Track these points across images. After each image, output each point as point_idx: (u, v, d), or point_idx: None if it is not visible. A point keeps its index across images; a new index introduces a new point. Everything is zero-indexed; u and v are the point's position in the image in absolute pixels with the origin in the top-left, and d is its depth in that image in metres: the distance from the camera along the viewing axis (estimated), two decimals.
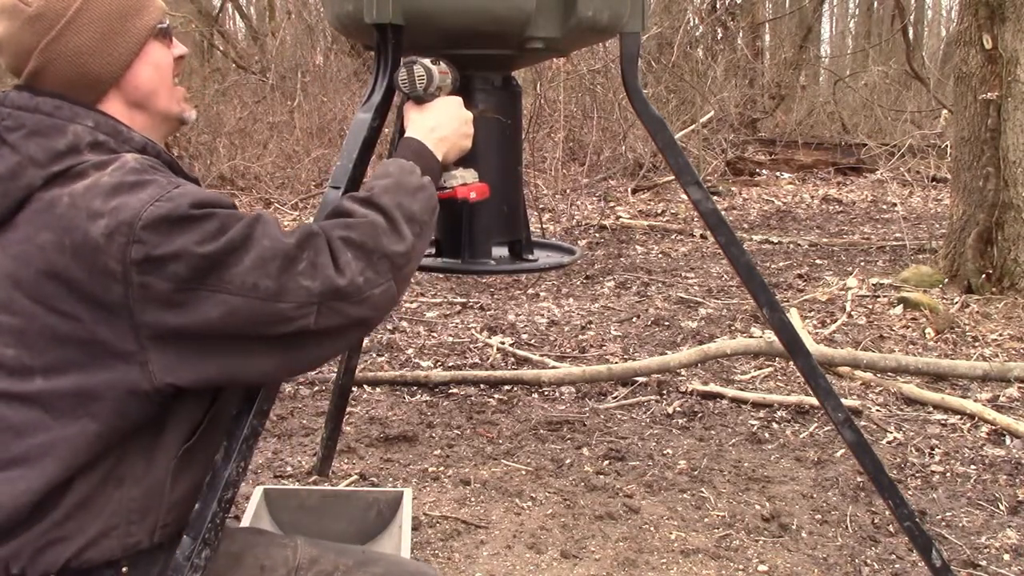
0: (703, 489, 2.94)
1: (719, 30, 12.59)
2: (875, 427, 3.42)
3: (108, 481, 1.31)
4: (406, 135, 1.59)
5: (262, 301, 1.25)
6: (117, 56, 1.38)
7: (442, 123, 1.60)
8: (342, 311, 1.30)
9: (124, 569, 1.34)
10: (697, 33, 11.86)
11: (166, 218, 1.22)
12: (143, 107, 1.42)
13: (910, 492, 2.92)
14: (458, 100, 1.67)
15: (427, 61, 1.63)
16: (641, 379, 3.90)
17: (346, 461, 3.14)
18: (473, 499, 2.87)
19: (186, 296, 1.23)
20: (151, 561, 1.38)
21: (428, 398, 3.79)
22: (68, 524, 1.29)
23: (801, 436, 3.37)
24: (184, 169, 1.45)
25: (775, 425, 3.49)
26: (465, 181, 1.72)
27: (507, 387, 3.88)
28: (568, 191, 8.92)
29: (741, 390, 3.78)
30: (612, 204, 8.65)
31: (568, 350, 4.42)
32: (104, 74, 1.37)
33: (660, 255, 6.73)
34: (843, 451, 3.16)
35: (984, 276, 5.17)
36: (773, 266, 6.29)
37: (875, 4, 17.72)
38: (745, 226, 7.82)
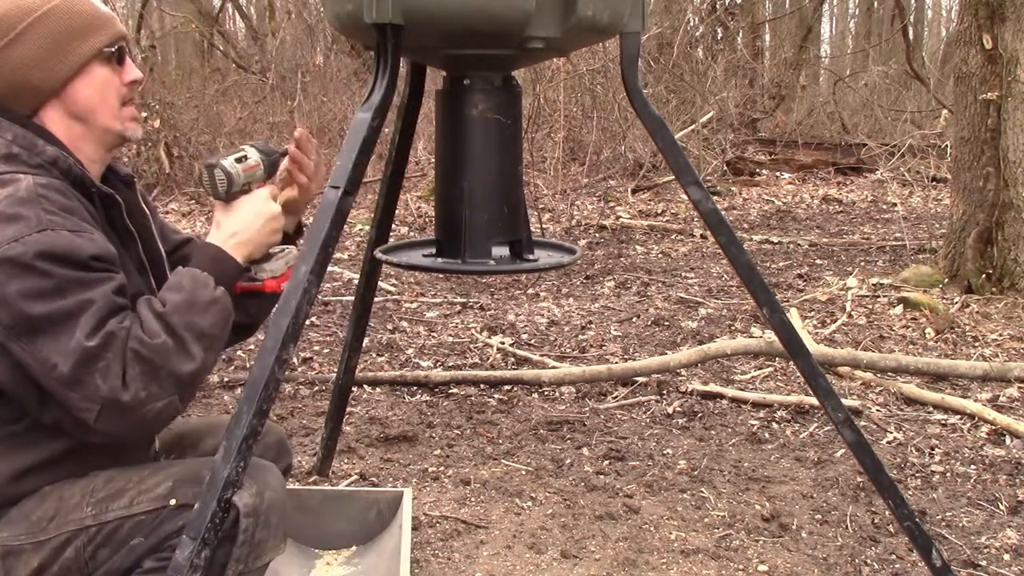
0: (703, 489, 2.94)
1: (719, 30, 12.59)
2: (875, 427, 3.42)
3: None
4: (207, 239, 1.66)
5: (56, 383, 1.39)
6: (57, 71, 1.49)
7: (245, 225, 1.65)
8: (120, 421, 1.42)
9: None
10: (697, 33, 11.84)
11: (10, 261, 1.36)
12: (83, 120, 1.53)
13: (910, 492, 2.92)
14: (264, 194, 1.70)
15: (231, 159, 1.66)
16: (641, 379, 3.90)
17: (346, 461, 3.14)
18: (473, 499, 2.86)
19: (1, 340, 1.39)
20: None
21: (428, 398, 3.78)
22: None
23: (801, 436, 3.37)
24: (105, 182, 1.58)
25: (775, 425, 3.48)
26: (275, 274, 1.74)
27: (507, 387, 3.88)
28: (568, 191, 8.92)
29: (741, 390, 3.78)
30: (612, 204, 8.65)
31: (568, 350, 4.42)
32: (42, 86, 1.49)
33: (660, 255, 6.73)
34: (843, 451, 3.16)
35: (984, 276, 5.17)
36: (773, 266, 6.29)
37: (875, 4, 17.73)
38: (745, 226, 7.82)
